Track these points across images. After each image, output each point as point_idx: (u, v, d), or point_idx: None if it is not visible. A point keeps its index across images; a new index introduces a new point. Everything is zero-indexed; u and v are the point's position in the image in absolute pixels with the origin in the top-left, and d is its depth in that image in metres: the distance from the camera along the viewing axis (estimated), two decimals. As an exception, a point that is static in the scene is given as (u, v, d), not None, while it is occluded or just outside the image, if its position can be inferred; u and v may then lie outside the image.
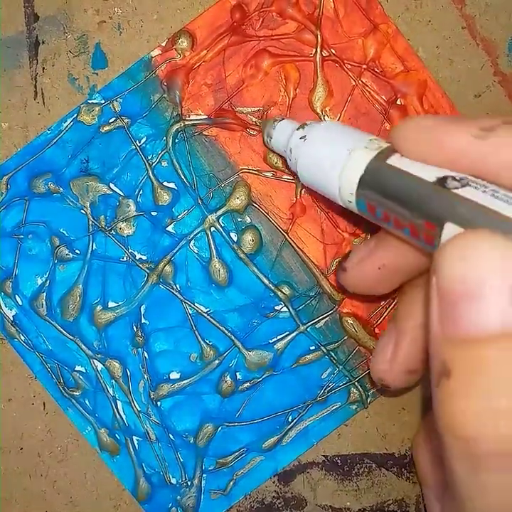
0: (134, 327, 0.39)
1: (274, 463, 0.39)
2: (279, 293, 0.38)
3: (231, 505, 0.39)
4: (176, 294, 0.38)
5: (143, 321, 0.39)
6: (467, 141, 0.24)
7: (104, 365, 0.39)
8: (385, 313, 0.38)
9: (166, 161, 0.38)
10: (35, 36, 0.38)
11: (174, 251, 0.38)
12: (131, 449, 0.39)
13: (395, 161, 0.26)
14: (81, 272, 0.39)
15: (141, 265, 0.38)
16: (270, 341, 0.39)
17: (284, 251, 0.38)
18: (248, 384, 0.39)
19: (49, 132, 0.38)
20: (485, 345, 0.19)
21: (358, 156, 0.28)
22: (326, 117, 0.38)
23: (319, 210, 0.38)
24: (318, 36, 0.38)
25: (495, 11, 0.38)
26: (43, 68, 0.38)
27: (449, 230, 0.23)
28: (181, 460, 0.39)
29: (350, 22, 0.38)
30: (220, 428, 0.39)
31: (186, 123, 0.38)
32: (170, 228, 0.38)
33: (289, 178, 0.38)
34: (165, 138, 0.38)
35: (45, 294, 0.39)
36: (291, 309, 0.38)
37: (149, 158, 0.38)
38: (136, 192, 0.38)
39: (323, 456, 0.39)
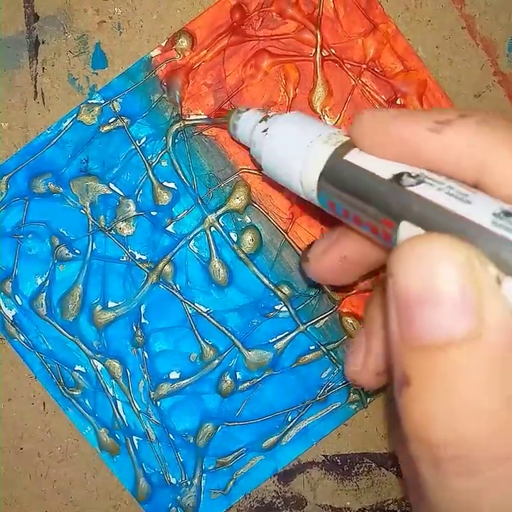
0: (134, 327, 0.39)
1: (273, 462, 0.39)
2: (278, 293, 0.38)
3: (231, 504, 0.39)
4: (176, 293, 0.38)
5: (143, 320, 0.39)
6: (422, 135, 0.24)
7: (104, 365, 0.39)
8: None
9: (165, 161, 0.38)
10: (35, 36, 0.38)
11: (174, 251, 0.38)
12: (131, 449, 0.39)
13: (353, 156, 0.26)
14: (81, 271, 0.39)
15: (140, 265, 0.38)
16: (270, 341, 0.39)
17: (283, 251, 0.38)
18: (248, 384, 0.39)
19: (49, 132, 0.38)
20: (440, 352, 0.19)
21: (317, 152, 0.27)
22: (325, 117, 0.38)
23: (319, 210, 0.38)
24: (318, 36, 0.38)
25: (495, 11, 0.38)
26: (43, 68, 0.38)
27: (405, 228, 0.23)
28: (181, 460, 0.39)
29: (350, 22, 0.38)
30: (219, 428, 0.39)
31: (186, 123, 0.38)
32: (170, 228, 0.38)
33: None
34: (165, 138, 0.38)
35: (44, 293, 0.39)
36: (291, 309, 0.38)
37: (149, 158, 0.38)
38: (136, 192, 0.38)
39: (323, 455, 0.39)
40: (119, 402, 0.39)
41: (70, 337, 0.39)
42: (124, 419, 0.39)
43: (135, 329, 0.39)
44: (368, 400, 0.39)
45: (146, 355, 0.39)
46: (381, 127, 0.25)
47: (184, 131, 0.38)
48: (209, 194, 0.38)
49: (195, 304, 0.39)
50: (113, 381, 0.39)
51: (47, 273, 0.39)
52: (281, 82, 0.39)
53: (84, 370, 0.39)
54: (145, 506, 0.39)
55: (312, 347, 0.39)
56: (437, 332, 0.19)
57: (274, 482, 0.39)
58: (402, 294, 0.20)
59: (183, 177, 0.38)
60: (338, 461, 0.39)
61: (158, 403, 0.39)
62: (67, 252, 0.39)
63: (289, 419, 0.39)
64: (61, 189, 0.38)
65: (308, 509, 0.39)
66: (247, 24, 0.38)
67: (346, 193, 0.25)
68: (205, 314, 0.39)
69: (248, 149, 0.34)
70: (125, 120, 0.38)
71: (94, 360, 0.39)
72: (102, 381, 0.39)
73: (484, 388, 0.19)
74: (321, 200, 0.27)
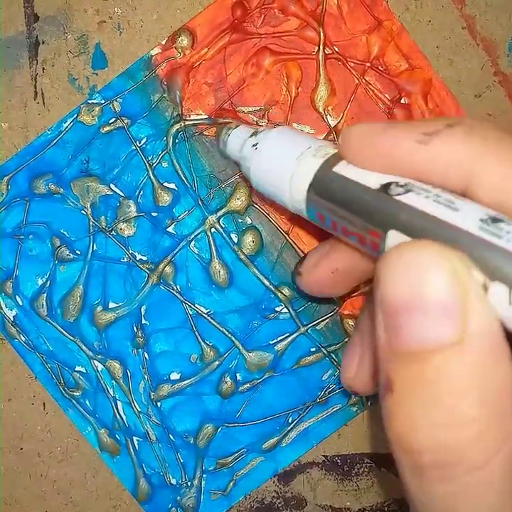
0: (135, 328, 0.39)
1: (274, 464, 0.39)
2: (279, 294, 0.38)
3: (231, 505, 0.39)
4: (177, 294, 0.38)
5: (143, 321, 0.39)
6: (410, 147, 0.24)
7: (104, 365, 0.39)
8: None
9: (166, 162, 0.38)
10: (35, 36, 0.38)
11: (174, 252, 0.38)
12: (132, 450, 0.39)
13: (341, 168, 0.26)
14: (81, 272, 0.39)
15: (141, 266, 0.38)
16: (270, 342, 0.39)
17: (284, 252, 0.38)
18: (248, 385, 0.39)
19: (49, 132, 0.38)
20: (424, 358, 0.19)
21: (305, 165, 0.27)
22: (328, 116, 0.38)
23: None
24: (321, 33, 0.38)
25: (495, 11, 0.38)
26: (43, 68, 0.38)
27: (393, 237, 0.23)
28: (181, 460, 0.39)
29: (354, 19, 0.38)
30: (220, 429, 0.39)
31: (187, 123, 0.38)
32: (170, 229, 0.38)
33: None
34: (165, 138, 0.38)
35: (45, 294, 0.39)
36: (291, 310, 0.38)
37: (149, 158, 0.38)
38: (137, 193, 0.38)
39: (323, 456, 0.39)
40: (119, 403, 0.39)
41: (71, 338, 0.39)
42: (125, 419, 0.39)
43: (136, 330, 0.39)
44: (369, 402, 0.39)
45: (146, 355, 0.39)
46: (369, 140, 0.25)
47: (185, 132, 0.38)
48: (210, 195, 0.38)
49: (196, 305, 0.39)
50: (113, 382, 0.39)
51: (47, 274, 0.39)
52: (283, 81, 0.38)
53: (84, 371, 0.39)
54: (145, 507, 0.39)
55: (313, 349, 0.39)
56: (422, 339, 0.19)
57: (274, 482, 0.39)
58: (388, 301, 0.20)
59: (183, 178, 0.38)
60: (339, 461, 0.39)
61: (159, 404, 0.39)
62: (67, 253, 0.38)
63: (290, 421, 0.39)
64: (62, 190, 0.38)
65: (309, 509, 0.39)
66: (248, 21, 0.38)
67: (334, 204, 0.25)
68: (206, 315, 0.39)
69: (239, 165, 0.34)
70: (125, 120, 0.38)
71: (95, 361, 0.39)
72: (102, 382, 0.39)
73: (465, 394, 0.19)
74: (310, 212, 0.28)
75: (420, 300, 0.19)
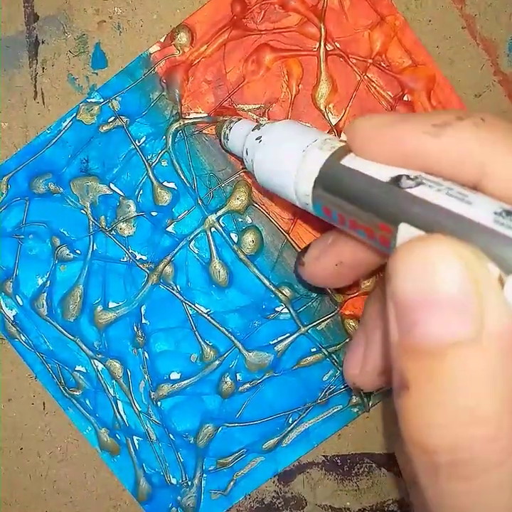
0: (135, 327, 0.39)
1: (274, 464, 0.39)
2: (279, 294, 0.38)
3: (231, 505, 0.39)
4: (176, 294, 0.38)
5: (143, 321, 0.39)
6: (420, 139, 0.23)
7: (104, 365, 0.39)
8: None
9: (165, 161, 0.38)
10: (35, 36, 0.38)
11: (174, 251, 0.38)
12: (132, 449, 0.39)
13: (349, 161, 0.25)
14: (81, 272, 0.38)
15: (141, 266, 0.38)
16: (271, 343, 0.39)
17: (285, 252, 0.38)
18: (248, 385, 0.39)
19: (48, 132, 0.38)
20: (439, 356, 0.19)
21: (312, 158, 0.27)
22: (329, 113, 0.38)
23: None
24: (322, 29, 0.37)
25: (495, 11, 0.38)
26: (43, 68, 0.38)
27: (404, 230, 0.22)
28: (182, 460, 0.39)
29: (356, 14, 0.37)
30: (220, 428, 0.39)
31: (186, 121, 0.38)
32: (170, 229, 0.38)
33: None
34: (164, 137, 0.38)
35: (45, 294, 0.39)
36: (292, 311, 0.38)
37: (149, 157, 0.38)
38: (136, 192, 0.38)
39: (323, 456, 0.39)
40: (119, 403, 0.39)
41: (71, 337, 0.39)
42: (125, 419, 0.39)
43: (136, 330, 0.39)
44: (370, 403, 0.39)
45: (146, 355, 0.39)
46: (377, 132, 0.25)
47: (184, 130, 0.38)
48: (209, 194, 0.38)
49: (196, 305, 0.38)
50: (113, 381, 0.39)
51: (48, 273, 0.39)
52: (283, 78, 0.38)
53: (84, 370, 0.39)
54: (145, 506, 0.39)
55: (313, 349, 0.39)
56: (438, 336, 0.19)
57: (274, 482, 0.39)
58: (401, 298, 0.20)
59: (183, 177, 0.38)
60: (338, 461, 0.39)
61: (159, 403, 0.39)
62: (68, 253, 0.38)
63: (290, 421, 0.39)
64: (61, 189, 0.38)
65: (309, 509, 0.39)
66: (248, 17, 0.38)
67: (342, 198, 0.25)
68: (206, 315, 0.38)
69: (241, 160, 0.33)
70: (124, 119, 0.38)
71: (95, 361, 0.39)
72: (102, 381, 0.39)
73: (482, 393, 0.19)
74: (316, 206, 0.27)
75: (434, 296, 0.19)
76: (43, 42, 0.38)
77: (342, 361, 0.36)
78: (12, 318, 0.39)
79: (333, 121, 0.38)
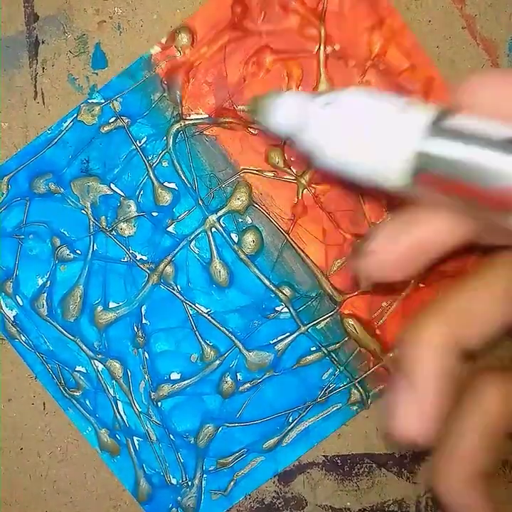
0: (135, 327, 0.39)
1: (274, 463, 0.39)
2: (279, 294, 0.38)
3: (231, 505, 0.39)
4: (177, 294, 0.38)
5: (144, 321, 0.39)
6: None
7: (104, 365, 0.39)
8: (386, 315, 0.38)
9: (166, 161, 0.38)
10: (35, 36, 0.38)
11: (175, 252, 0.38)
12: (132, 450, 0.39)
13: (459, 119, 0.23)
14: (82, 272, 0.38)
15: (141, 266, 0.38)
16: (271, 342, 0.39)
17: (285, 252, 0.38)
18: (249, 384, 0.39)
19: (49, 132, 0.38)
20: None
21: (410, 120, 0.24)
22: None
23: (321, 211, 0.38)
24: (322, 31, 0.37)
25: (495, 11, 0.38)
26: (43, 68, 0.38)
27: None
28: (182, 460, 0.39)
29: (356, 16, 0.37)
30: (220, 428, 0.39)
31: (187, 122, 0.38)
32: (171, 229, 0.38)
33: (290, 178, 0.38)
34: (165, 138, 0.38)
35: (45, 294, 0.39)
36: (292, 310, 0.38)
37: (150, 158, 0.38)
38: (137, 192, 0.38)
39: (323, 456, 0.39)
40: (119, 403, 0.39)
41: (71, 337, 0.39)
42: (125, 419, 0.39)
43: (136, 330, 0.39)
44: (370, 401, 0.39)
45: (146, 355, 0.39)
46: (497, 87, 0.23)
47: (185, 131, 0.38)
48: (210, 195, 0.38)
49: (196, 305, 0.39)
50: (114, 381, 0.39)
51: (48, 273, 0.39)
52: (283, 80, 0.38)
53: (84, 371, 0.39)
54: (145, 507, 0.39)
55: (313, 348, 0.39)
56: None
57: (274, 483, 0.39)
58: None
59: (183, 177, 0.38)
60: (339, 461, 0.39)
61: (159, 404, 0.39)
62: (68, 253, 0.38)
63: (290, 420, 0.39)
64: (62, 189, 0.38)
65: (309, 509, 0.39)
66: (248, 19, 0.38)
67: (453, 164, 0.23)
68: (206, 315, 0.38)
69: (284, 143, 0.30)
70: (125, 120, 0.38)
71: (95, 361, 0.39)
72: (102, 381, 0.39)
73: None
74: (414, 179, 0.24)
75: None
76: (43, 42, 0.38)
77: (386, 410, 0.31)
78: (12, 319, 0.39)
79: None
